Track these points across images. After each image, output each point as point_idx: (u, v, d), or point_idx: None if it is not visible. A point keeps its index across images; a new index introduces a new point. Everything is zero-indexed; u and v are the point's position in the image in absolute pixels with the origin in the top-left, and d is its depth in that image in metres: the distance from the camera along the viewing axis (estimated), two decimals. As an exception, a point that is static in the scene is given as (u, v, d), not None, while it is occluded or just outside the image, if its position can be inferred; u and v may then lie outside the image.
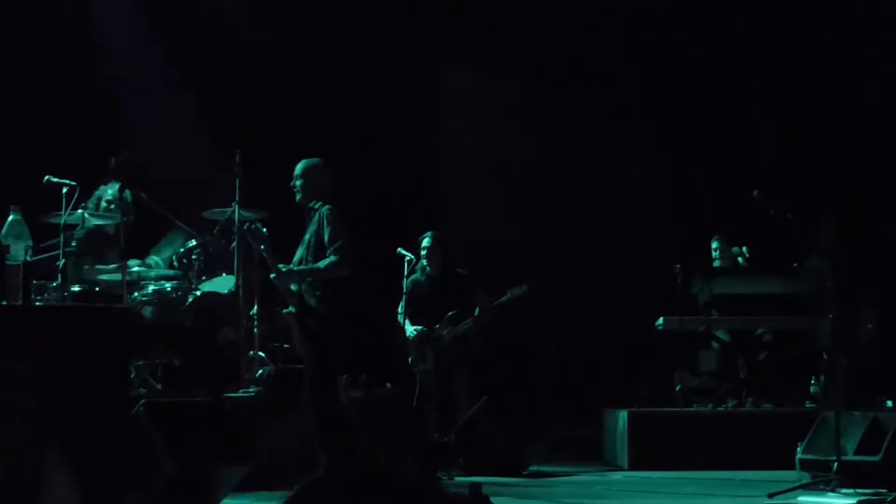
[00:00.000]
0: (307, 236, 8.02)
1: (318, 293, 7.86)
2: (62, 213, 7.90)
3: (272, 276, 8.02)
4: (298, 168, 8.13)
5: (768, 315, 10.49)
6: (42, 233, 8.01)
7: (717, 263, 11.02)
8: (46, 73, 11.24)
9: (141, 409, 6.71)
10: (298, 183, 8.09)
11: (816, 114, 12.85)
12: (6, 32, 11.17)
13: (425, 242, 10.14)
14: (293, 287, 7.94)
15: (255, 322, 9.23)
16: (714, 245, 11.09)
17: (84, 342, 5.37)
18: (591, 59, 13.32)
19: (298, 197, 8.11)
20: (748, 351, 10.67)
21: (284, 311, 8.10)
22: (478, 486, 6.24)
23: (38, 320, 5.49)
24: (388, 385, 10.25)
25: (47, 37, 11.37)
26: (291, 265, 8.03)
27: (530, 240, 13.09)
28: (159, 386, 8.80)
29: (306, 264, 7.93)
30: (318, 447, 7.71)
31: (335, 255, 7.79)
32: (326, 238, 7.85)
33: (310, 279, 7.87)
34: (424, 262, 10.13)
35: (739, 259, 11.04)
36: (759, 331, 10.68)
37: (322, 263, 7.84)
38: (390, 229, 11.06)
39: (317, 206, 7.99)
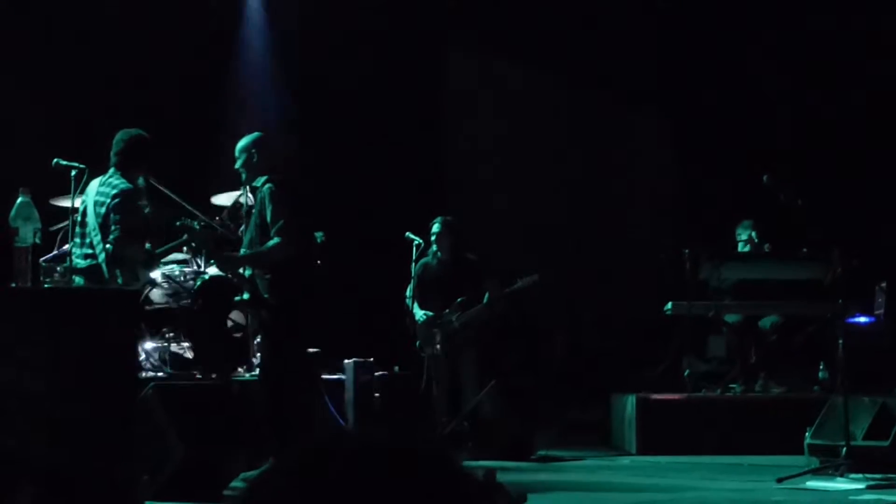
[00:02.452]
0: (252, 217, 7.76)
1: (267, 277, 7.64)
2: (71, 196, 7.89)
3: (212, 262, 7.82)
4: (239, 145, 7.80)
5: (778, 300, 10.47)
6: (51, 216, 8.03)
7: (742, 248, 10.95)
8: (57, 56, 11.23)
9: (150, 391, 6.73)
10: (240, 162, 7.75)
11: (830, 100, 12.82)
12: (17, 18, 11.16)
13: (435, 228, 10.11)
14: (246, 273, 7.72)
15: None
16: (740, 230, 10.98)
17: (93, 325, 5.36)
18: (602, 44, 13.28)
19: (243, 176, 7.81)
20: (758, 336, 10.65)
21: (237, 298, 7.92)
22: (492, 471, 6.23)
23: (47, 303, 5.49)
24: (397, 369, 10.26)
25: (58, 21, 11.36)
26: (242, 249, 7.81)
27: (541, 225, 13.08)
28: (168, 369, 8.82)
29: (254, 247, 7.65)
30: (270, 431, 7.57)
31: (279, 235, 7.44)
32: (269, 218, 7.51)
33: (256, 263, 7.61)
34: (434, 247, 10.12)
35: (753, 234, 10.92)
36: (773, 318, 10.64)
37: (266, 246, 7.51)
38: (400, 213, 11.06)
39: (259, 184, 7.67)
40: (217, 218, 9.15)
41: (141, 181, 8.05)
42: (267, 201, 7.53)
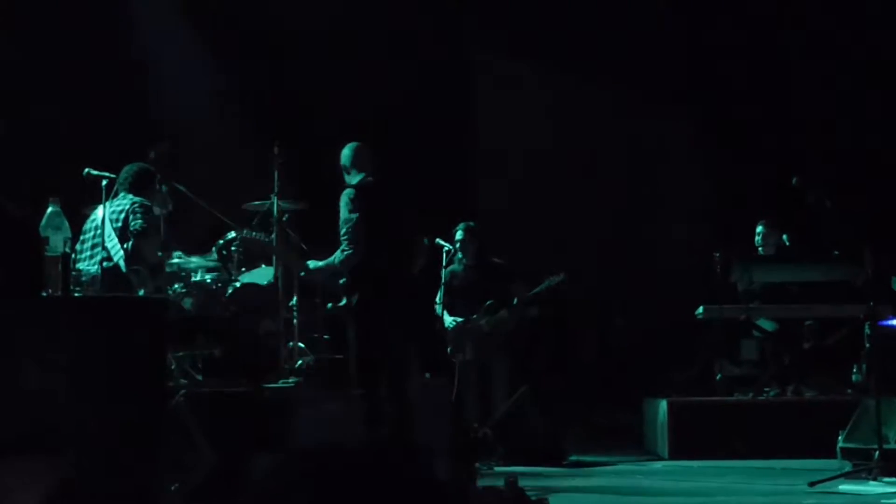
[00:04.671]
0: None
1: (341, 282, 7.88)
2: (102, 205, 7.96)
3: (301, 273, 8.11)
4: (342, 155, 8.14)
5: (808, 303, 10.40)
6: (82, 225, 8.11)
7: (760, 249, 10.90)
8: (87, 66, 11.31)
9: (181, 399, 6.77)
10: (345, 172, 8.09)
11: (862, 100, 12.75)
12: (47, 26, 11.25)
13: (458, 235, 10.22)
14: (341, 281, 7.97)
15: (295, 313, 9.25)
16: (759, 230, 10.94)
17: (124, 333, 5.39)
18: (632, 43, 13.25)
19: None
20: (792, 340, 10.59)
21: (329, 305, 8.16)
22: (514, 478, 6.24)
23: (77, 311, 5.52)
24: (427, 375, 10.26)
25: (87, 29, 11.44)
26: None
27: (572, 227, 13.05)
28: (199, 377, 8.84)
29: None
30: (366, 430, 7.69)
31: (343, 241, 7.72)
32: (340, 223, 7.82)
33: (327, 273, 7.90)
34: (459, 253, 10.19)
35: (784, 237, 10.85)
36: (809, 322, 10.58)
37: (335, 258, 7.79)
38: (430, 219, 11.06)
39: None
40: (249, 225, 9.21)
41: (164, 188, 8.22)
42: (341, 206, 7.79)
